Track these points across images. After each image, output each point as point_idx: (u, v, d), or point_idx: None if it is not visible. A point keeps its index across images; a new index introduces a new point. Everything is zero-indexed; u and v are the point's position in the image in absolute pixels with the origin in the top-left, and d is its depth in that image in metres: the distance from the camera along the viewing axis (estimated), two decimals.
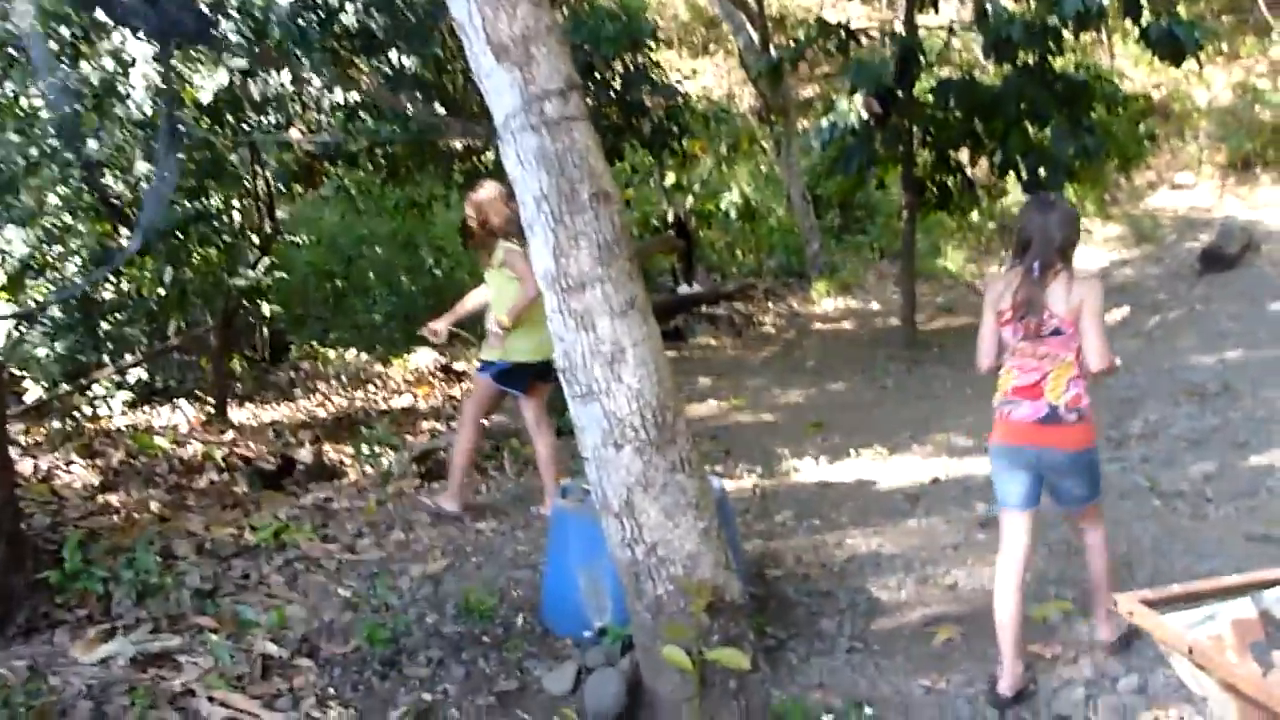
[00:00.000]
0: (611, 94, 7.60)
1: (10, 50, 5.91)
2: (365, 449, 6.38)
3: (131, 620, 4.06)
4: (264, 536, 5.00)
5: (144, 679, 3.49)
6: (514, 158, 3.20)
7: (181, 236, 6.18)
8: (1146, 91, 15.87)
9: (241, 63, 5.68)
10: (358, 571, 4.60)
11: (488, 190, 5.08)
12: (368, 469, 6.29)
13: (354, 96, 6.37)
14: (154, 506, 5.66)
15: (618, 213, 3.23)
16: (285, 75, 6.06)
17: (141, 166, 6.01)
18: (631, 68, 7.53)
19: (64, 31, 5.94)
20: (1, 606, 4.09)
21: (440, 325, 5.45)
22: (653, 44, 7.94)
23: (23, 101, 6.31)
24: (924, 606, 4.07)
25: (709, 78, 20.78)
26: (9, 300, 7.78)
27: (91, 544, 4.75)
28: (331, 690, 3.58)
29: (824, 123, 9.56)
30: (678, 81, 8.58)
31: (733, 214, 12.85)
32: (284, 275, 11.10)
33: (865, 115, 8.89)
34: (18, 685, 3.33)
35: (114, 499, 5.84)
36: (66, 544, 4.18)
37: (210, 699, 3.45)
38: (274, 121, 6.46)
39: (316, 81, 5.98)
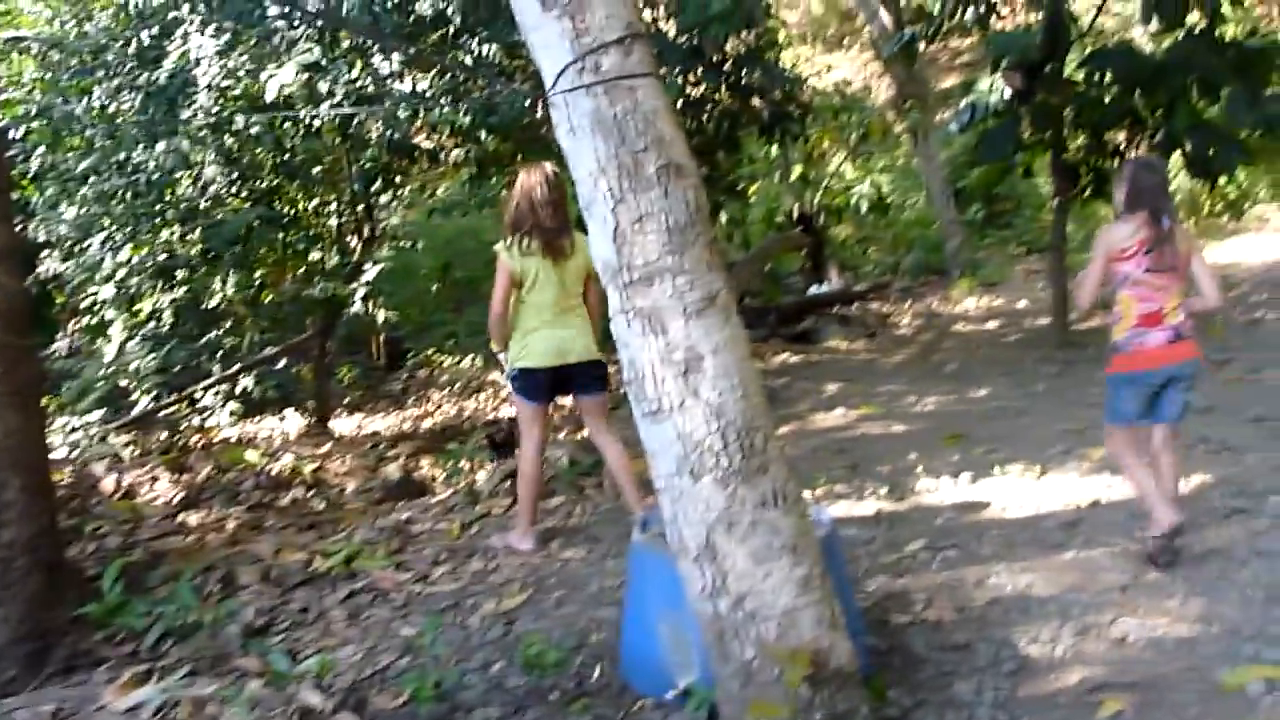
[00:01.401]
0: (723, 77, 6.98)
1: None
2: (454, 464, 5.94)
3: (174, 659, 3.68)
4: (335, 563, 4.60)
5: None
6: (565, 125, 2.64)
7: (249, 241, 5.87)
8: None
9: (310, 56, 5.32)
10: (427, 606, 4.12)
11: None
12: (458, 486, 5.85)
13: (426, 84, 5.93)
14: (230, 526, 5.34)
15: (694, 189, 2.64)
16: (356, 69, 5.69)
17: (210, 171, 5.73)
18: (743, 49, 6.90)
19: (143, 35, 5.70)
20: (39, 642, 3.76)
21: None
22: (770, 23, 7.29)
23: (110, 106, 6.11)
24: (1085, 666, 3.32)
25: (844, 71, 19.97)
26: (122, 312, 7.67)
27: (149, 571, 4.43)
28: None
29: (964, 104, 8.72)
30: (816, 73, 7.94)
31: (864, 208, 12.02)
32: (399, 280, 10.85)
33: (1008, 92, 8.02)
34: None
35: (193, 517, 5.56)
36: (106, 573, 3.82)
37: None
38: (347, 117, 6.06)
39: (386, 69, 5.56)
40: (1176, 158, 8.33)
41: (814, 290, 11.99)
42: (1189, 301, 3.97)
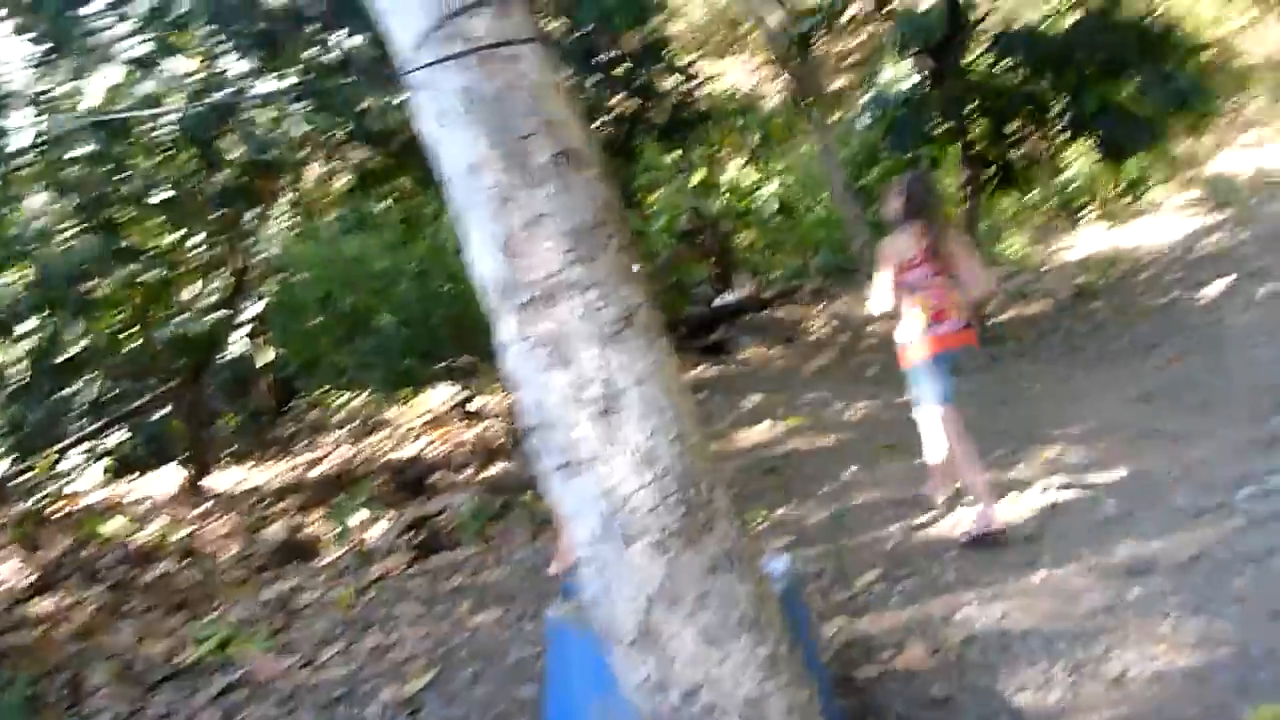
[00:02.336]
0: (620, 79, 6.47)
1: None
2: (344, 520, 5.29)
3: None
4: (206, 650, 3.93)
5: None
6: (430, 111, 2.09)
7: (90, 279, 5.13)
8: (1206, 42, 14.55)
9: (139, 51, 4.62)
10: (315, 698, 3.50)
11: None
12: (353, 545, 5.20)
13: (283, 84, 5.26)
14: (89, 611, 4.62)
15: (598, 180, 2.11)
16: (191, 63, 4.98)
17: (37, 201, 4.98)
18: (640, 46, 6.41)
19: None
20: None
21: None
22: (661, 16, 6.80)
23: None
24: (1085, 714, 2.87)
25: (734, 78, 19.70)
26: None
27: None
28: None
29: (867, 98, 8.38)
30: (708, 79, 7.45)
31: (768, 211, 11.63)
32: (286, 313, 10.07)
33: (917, 79, 7.71)
34: None
35: (44, 604, 4.82)
36: None
37: None
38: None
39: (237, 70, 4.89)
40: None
41: (721, 300, 11.57)
42: (964, 290, 4.40)
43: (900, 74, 7.92)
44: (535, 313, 2.04)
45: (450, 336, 11.08)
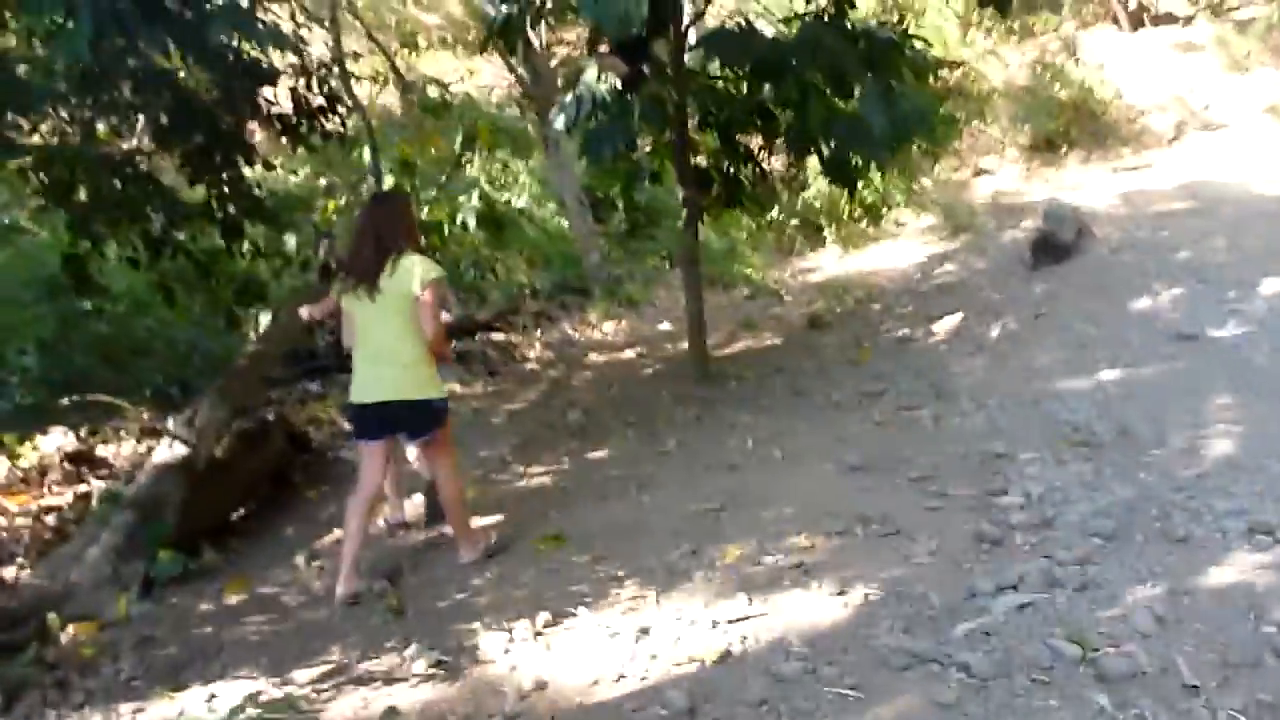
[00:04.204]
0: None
1: None
2: None
3: None
4: None
5: None
6: None
7: None
8: (947, 61, 14.35)
9: None
10: None
11: None
12: None
13: None
14: None
15: None
16: None
17: None
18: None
19: None
20: None
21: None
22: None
23: None
24: None
25: (487, 76, 18.32)
26: None
27: None
28: None
29: (568, 98, 7.15)
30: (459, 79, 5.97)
31: (471, 224, 10.23)
32: None
33: (613, 80, 6.55)
34: None
35: None
36: None
37: None
38: None
39: None
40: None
41: None
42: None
43: (604, 73, 6.72)
44: None
45: (101, 362, 9.13)
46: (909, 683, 3.06)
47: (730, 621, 3.55)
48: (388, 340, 4.33)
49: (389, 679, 3.43)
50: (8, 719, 3.24)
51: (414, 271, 4.25)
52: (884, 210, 13.47)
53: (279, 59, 6.61)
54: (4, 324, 9.06)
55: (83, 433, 7.74)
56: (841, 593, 3.70)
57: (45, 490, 6.82)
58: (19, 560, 4.81)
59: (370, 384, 4.38)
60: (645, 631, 3.58)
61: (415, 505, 5.46)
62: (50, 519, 5.64)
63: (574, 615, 3.78)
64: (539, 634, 3.63)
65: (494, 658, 3.52)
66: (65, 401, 8.05)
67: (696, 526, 4.64)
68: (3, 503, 6.40)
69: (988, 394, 6.26)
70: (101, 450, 7.16)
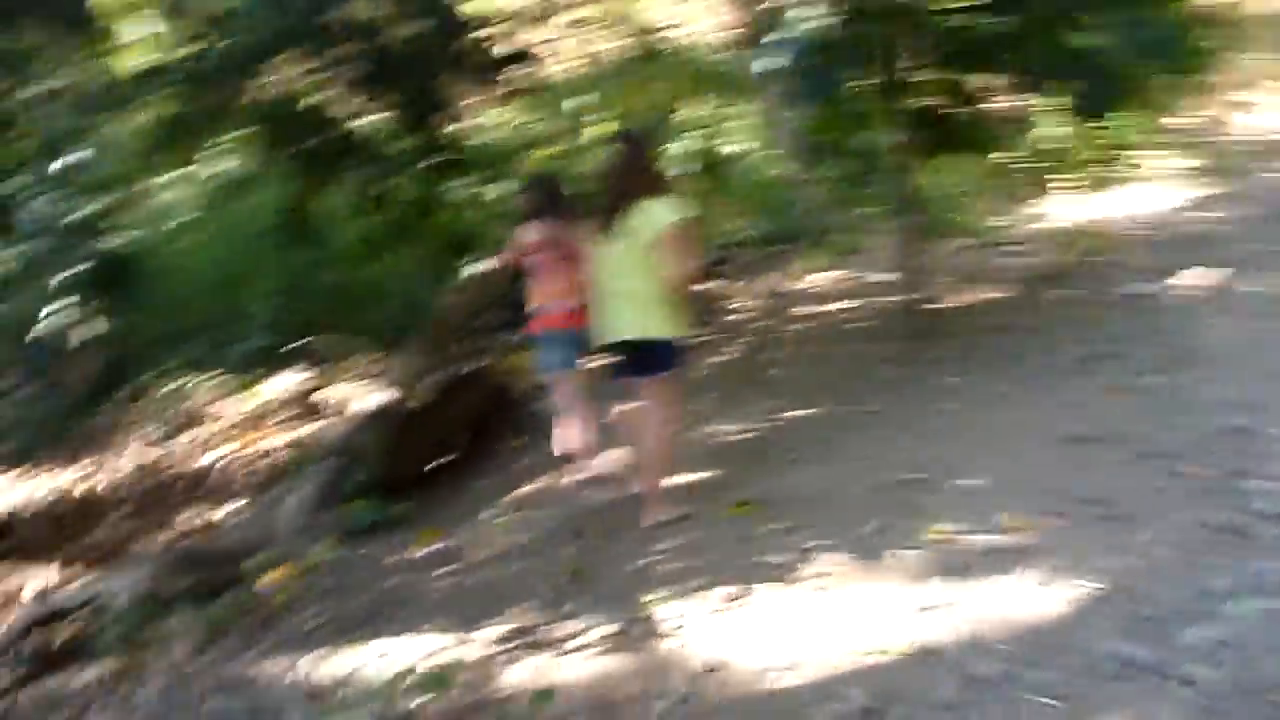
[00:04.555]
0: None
1: None
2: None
3: None
4: None
5: None
6: None
7: None
8: None
9: None
10: None
11: None
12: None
13: None
14: None
15: None
16: None
17: None
18: None
19: None
20: None
21: None
22: None
23: None
24: None
25: (701, 23, 18.04)
26: None
27: None
28: None
29: (773, 38, 6.81)
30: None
31: (691, 170, 10.09)
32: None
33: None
34: None
35: None
36: None
37: None
38: None
39: None
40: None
41: None
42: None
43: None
44: None
45: (325, 309, 9.59)
46: (1123, 696, 2.72)
47: (922, 610, 3.27)
48: (631, 280, 4.37)
49: (562, 650, 3.37)
50: (203, 659, 3.39)
51: (658, 212, 4.31)
52: (1121, 151, 12.32)
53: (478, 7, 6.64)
54: (239, 272, 9.69)
55: (304, 378, 8.18)
56: (1050, 584, 3.35)
57: (268, 431, 7.26)
58: (237, 502, 5.11)
59: (614, 323, 4.48)
60: (828, 615, 3.36)
61: (608, 460, 5.42)
62: (266, 462, 5.97)
63: (753, 591, 3.60)
64: (716, 611, 3.48)
65: (668, 631, 3.40)
66: (291, 347, 8.53)
67: (893, 499, 4.35)
68: (244, 438, 6.81)
69: (1238, 361, 5.58)
70: (319, 395, 7.53)
